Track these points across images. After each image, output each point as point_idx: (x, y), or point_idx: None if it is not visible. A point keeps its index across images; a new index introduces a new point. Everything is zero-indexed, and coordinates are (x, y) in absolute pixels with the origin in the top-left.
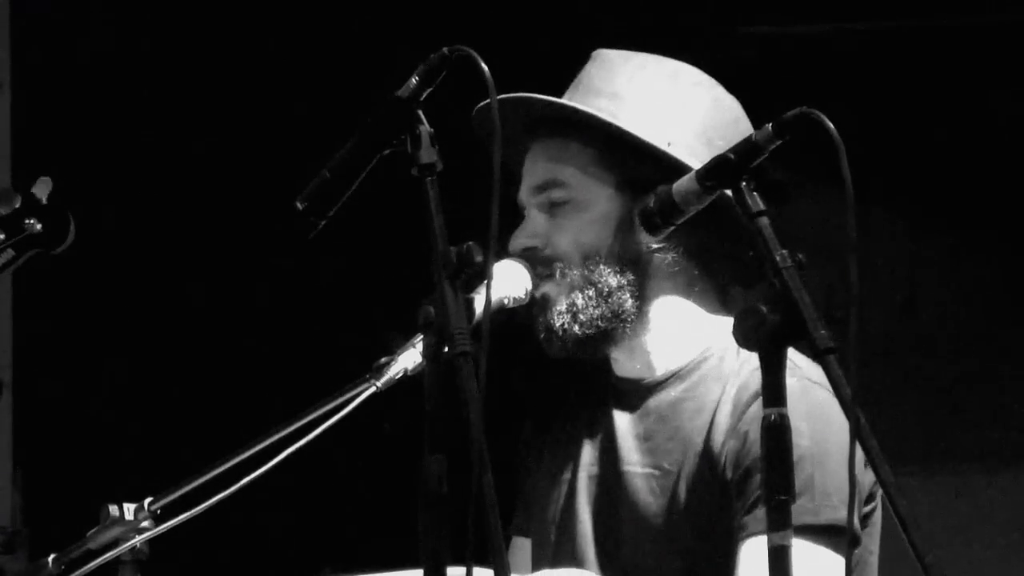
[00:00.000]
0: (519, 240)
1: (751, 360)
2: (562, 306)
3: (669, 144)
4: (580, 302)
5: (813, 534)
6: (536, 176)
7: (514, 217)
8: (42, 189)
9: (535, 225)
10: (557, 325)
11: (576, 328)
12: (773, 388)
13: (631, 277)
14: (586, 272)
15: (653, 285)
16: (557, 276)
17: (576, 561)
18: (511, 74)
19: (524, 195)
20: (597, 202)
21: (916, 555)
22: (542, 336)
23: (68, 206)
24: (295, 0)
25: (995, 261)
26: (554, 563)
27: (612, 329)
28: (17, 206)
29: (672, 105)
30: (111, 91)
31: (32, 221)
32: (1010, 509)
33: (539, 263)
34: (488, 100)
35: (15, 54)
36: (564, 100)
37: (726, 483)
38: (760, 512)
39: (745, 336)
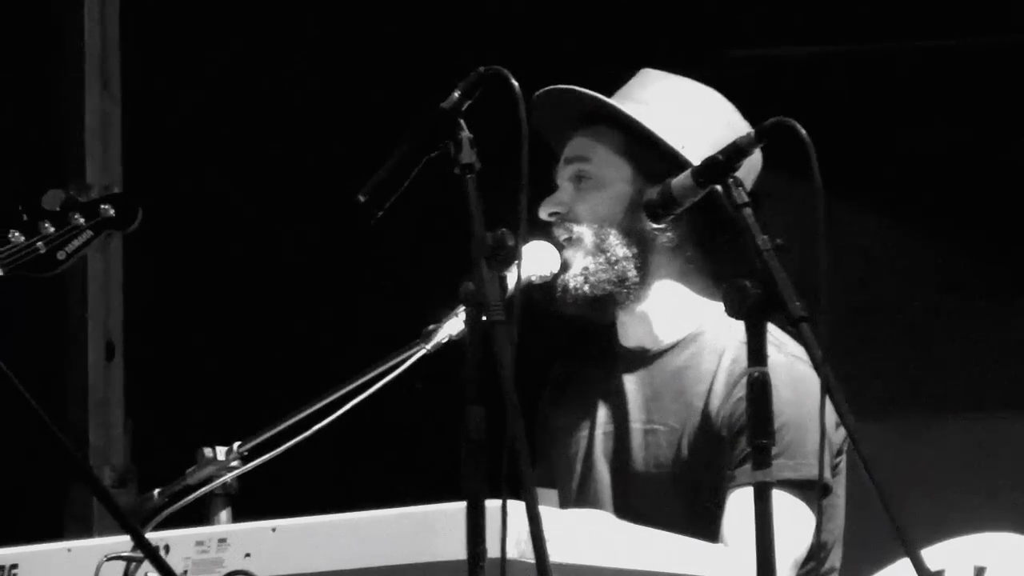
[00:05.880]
0: (547, 205)
1: (740, 335)
2: (577, 269)
3: (683, 147)
4: (591, 267)
5: (792, 487)
6: (571, 151)
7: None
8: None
9: (562, 195)
10: (572, 285)
11: (587, 288)
12: (756, 351)
13: (636, 251)
14: (598, 240)
15: (654, 261)
16: (574, 240)
17: (596, 507)
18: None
19: (559, 170)
20: (615, 183)
21: (875, 485)
22: (559, 295)
23: (172, 196)
24: (358, 23)
25: (933, 247)
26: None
27: (617, 293)
28: (94, 195)
29: (693, 118)
30: (208, 96)
31: (107, 207)
32: (957, 452)
33: (561, 228)
34: (544, 89)
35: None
36: (603, 97)
37: (721, 440)
38: (747, 467)
39: (732, 307)
